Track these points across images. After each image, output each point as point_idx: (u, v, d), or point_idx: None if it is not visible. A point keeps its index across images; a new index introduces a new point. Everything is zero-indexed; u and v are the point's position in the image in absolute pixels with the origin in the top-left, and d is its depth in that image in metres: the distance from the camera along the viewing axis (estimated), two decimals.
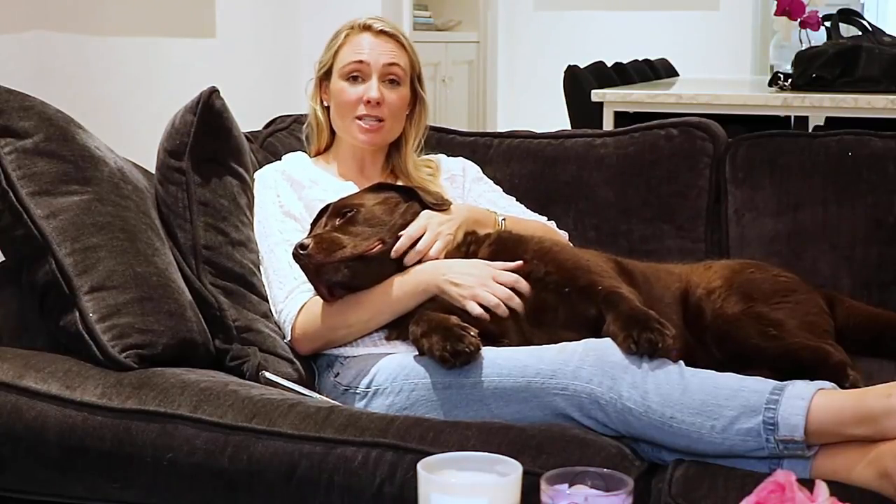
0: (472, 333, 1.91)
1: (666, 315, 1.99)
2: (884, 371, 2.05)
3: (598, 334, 1.91)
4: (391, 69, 2.33)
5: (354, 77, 2.32)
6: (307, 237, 2.06)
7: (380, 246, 2.08)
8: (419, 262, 2.10)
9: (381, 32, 2.35)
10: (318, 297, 2.11)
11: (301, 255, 2.02)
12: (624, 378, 1.77)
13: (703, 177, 2.52)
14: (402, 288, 2.07)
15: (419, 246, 2.10)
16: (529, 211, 2.45)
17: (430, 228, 2.13)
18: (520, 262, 2.06)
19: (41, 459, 1.84)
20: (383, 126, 2.32)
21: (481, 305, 1.99)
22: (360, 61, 2.32)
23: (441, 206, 2.20)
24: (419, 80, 2.41)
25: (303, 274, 2.11)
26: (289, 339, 2.12)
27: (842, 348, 2.02)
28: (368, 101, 2.29)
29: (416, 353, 2.01)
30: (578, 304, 2.00)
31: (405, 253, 2.10)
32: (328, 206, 2.17)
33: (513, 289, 2.02)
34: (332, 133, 2.40)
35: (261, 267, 2.19)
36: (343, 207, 2.13)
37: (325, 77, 2.37)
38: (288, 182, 2.29)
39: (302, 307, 2.12)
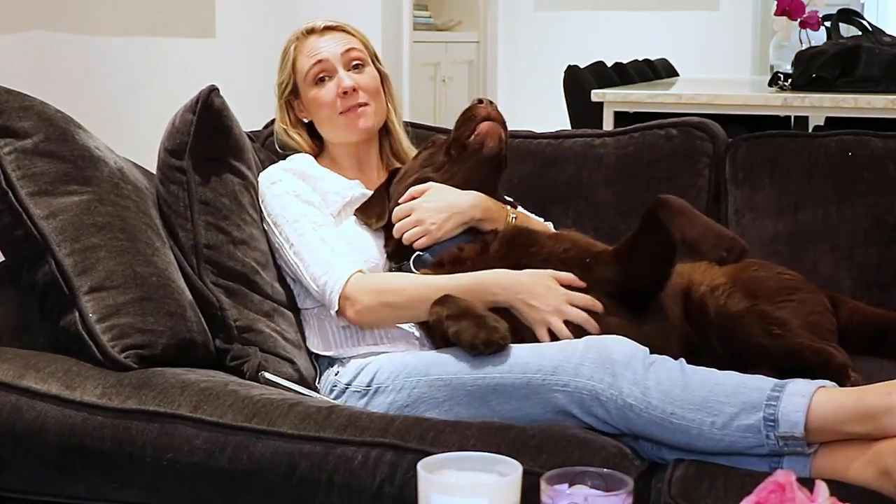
0: (504, 327, 1.93)
1: (666, 307, 2.03)
2: (884, 371, 2.05)
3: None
4: (351, 54, 2.34)
5: (322, 79, 2.32)
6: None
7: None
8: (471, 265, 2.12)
9: (326, 29, 2.36)
10: (367, 273, 2.13)
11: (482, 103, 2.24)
12: (625, 375, 1.77)
13: (702, 177, 2.52)
14: (472, 292, 2.03)
15: (396, 227, 2.17)
16: (532, 214, 2.45)
17: (414, 214, 2.17)
18: (582, 284, 2.06)
19: (41, 459, 1.84)
20: (368, 108, 2.32)
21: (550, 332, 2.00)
22: (319, 61, 2.32)
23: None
24: (377, 59, 2.42)
25: (338, 248, 2.14)
26: (336, 309, 2.09)
27: (844, 350, 2.02)
28: (345, 92, 2.29)
29: (415, 351, 2.02)
30: (597, 270, 2.05)
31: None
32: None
33: (588, 311, 2.01)
34: (318, 144, 2.40)
35: (288, 254, 2.17)
36: None
37: (292, 96, 2.37)
38: (299, 177, 2.27)
39: (351, 276, 2.09)
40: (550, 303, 2.00)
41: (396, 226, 2.20)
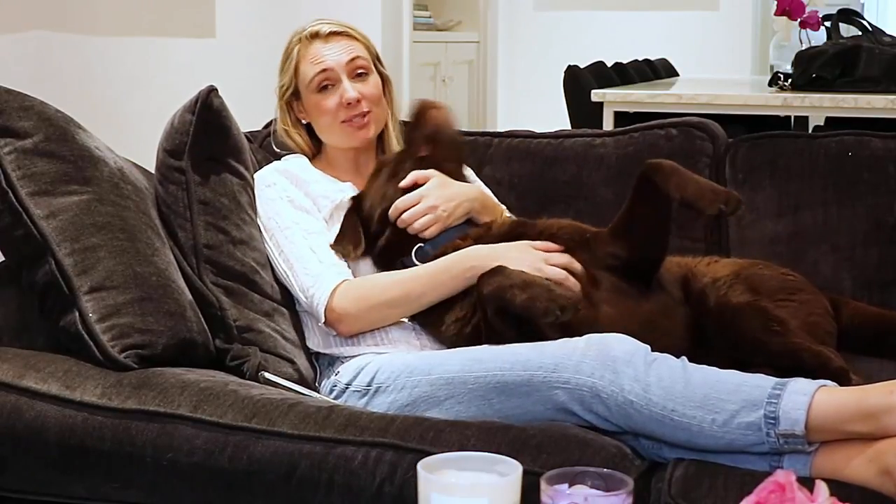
0: (573, 292, 1.97)
1: (668, 289, 2.06)
2: (884, 371, 2.05)
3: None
4: (355, 63, 2.32)
5: (325, 87, 2.31)
6: None
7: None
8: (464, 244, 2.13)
9: (331, 34, 2.34)
10: (351, 281, 2.12)
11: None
12: (626, 371, 1.77)
13: (702, 177, 2.52)
14: (450, 272, 2.09)
15: (406, 215, 2.17)
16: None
17: (425, 201, 2.18)
18: (559, 247, 2.09)
19: (41, 459, 1.84)
20: (370, 118, 2.33)
21: None
22: (324, 69, 2.30)
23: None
24: (379, 61, 2.41)
25: (326, 258, 2.14)
26: (323, 321, 2.11)
27: (840, 355, 2.02)
28: (349, 104, 2.29)
29: (416, 351, 2.02)
30: (599, 247, 2.08)
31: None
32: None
33: (567, 270, 2.05)
34: (317, 144, 2.40)
35: (278, 261, 2.18)
36: None
37: (293, 98, 2.37)
38: (292, 180, 2.28)
39: (336, 288, 2.11)
40: (528, 264, 2.02)
41: (406, 213, 2.19)
